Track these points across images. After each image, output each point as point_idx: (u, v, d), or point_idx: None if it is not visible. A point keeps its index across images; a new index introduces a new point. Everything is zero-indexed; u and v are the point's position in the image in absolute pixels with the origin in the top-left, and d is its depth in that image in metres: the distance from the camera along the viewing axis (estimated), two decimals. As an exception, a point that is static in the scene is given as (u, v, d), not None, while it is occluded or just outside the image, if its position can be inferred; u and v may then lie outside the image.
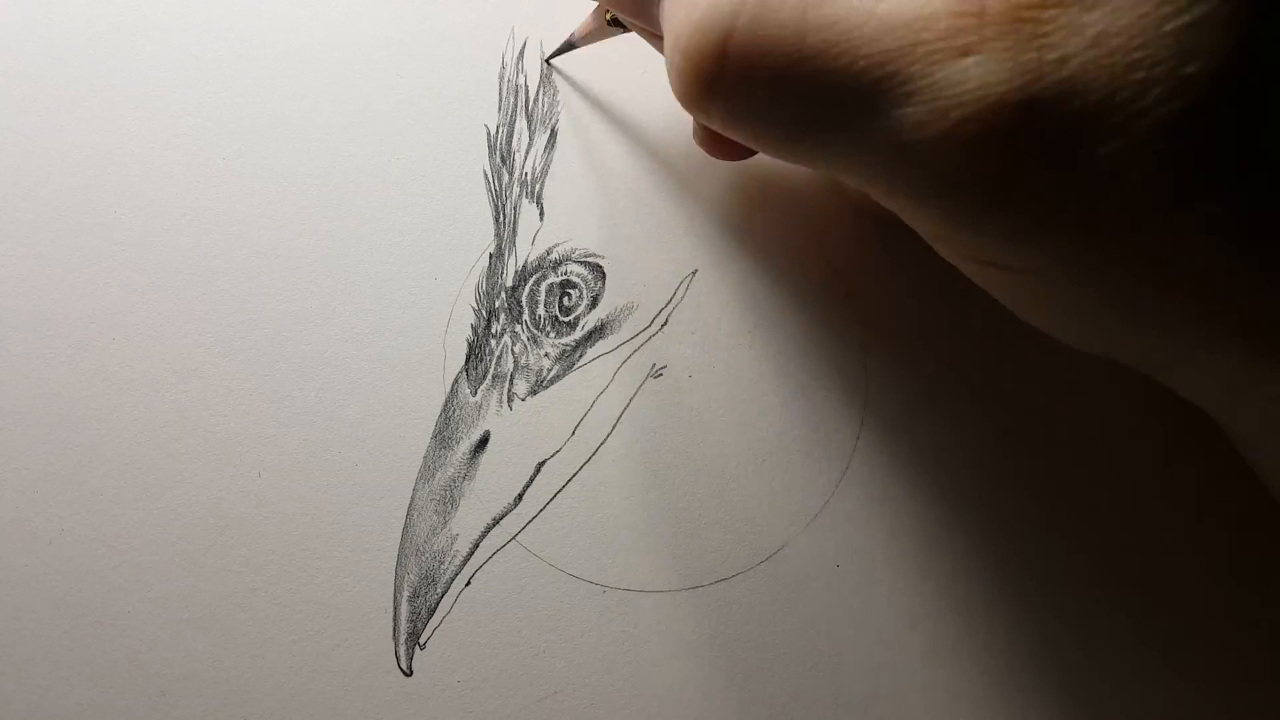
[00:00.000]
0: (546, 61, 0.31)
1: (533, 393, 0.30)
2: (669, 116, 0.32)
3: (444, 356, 0.30)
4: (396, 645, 0.28)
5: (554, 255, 0.31)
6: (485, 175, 0.31)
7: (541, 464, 0.29)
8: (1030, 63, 0.16)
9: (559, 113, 0.32)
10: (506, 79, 0.32)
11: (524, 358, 0.30)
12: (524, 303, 0.30)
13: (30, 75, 0.32)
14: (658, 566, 0.29)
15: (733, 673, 0.28)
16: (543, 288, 0.30)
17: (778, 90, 0.19)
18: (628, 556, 0.29)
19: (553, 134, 0.31)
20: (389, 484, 0.29)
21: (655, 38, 0.23)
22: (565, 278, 0.30)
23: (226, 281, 0.31)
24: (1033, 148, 0.17)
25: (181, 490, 0.29)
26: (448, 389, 0.30)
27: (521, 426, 0.29)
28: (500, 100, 0.32)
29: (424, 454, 0.29)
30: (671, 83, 0.21)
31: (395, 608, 0.28)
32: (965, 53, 0.17)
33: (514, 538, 0.29)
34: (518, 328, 0.30)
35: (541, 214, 0.31)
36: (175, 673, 0.28)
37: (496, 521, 0.29)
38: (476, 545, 0.29)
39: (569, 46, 0.30)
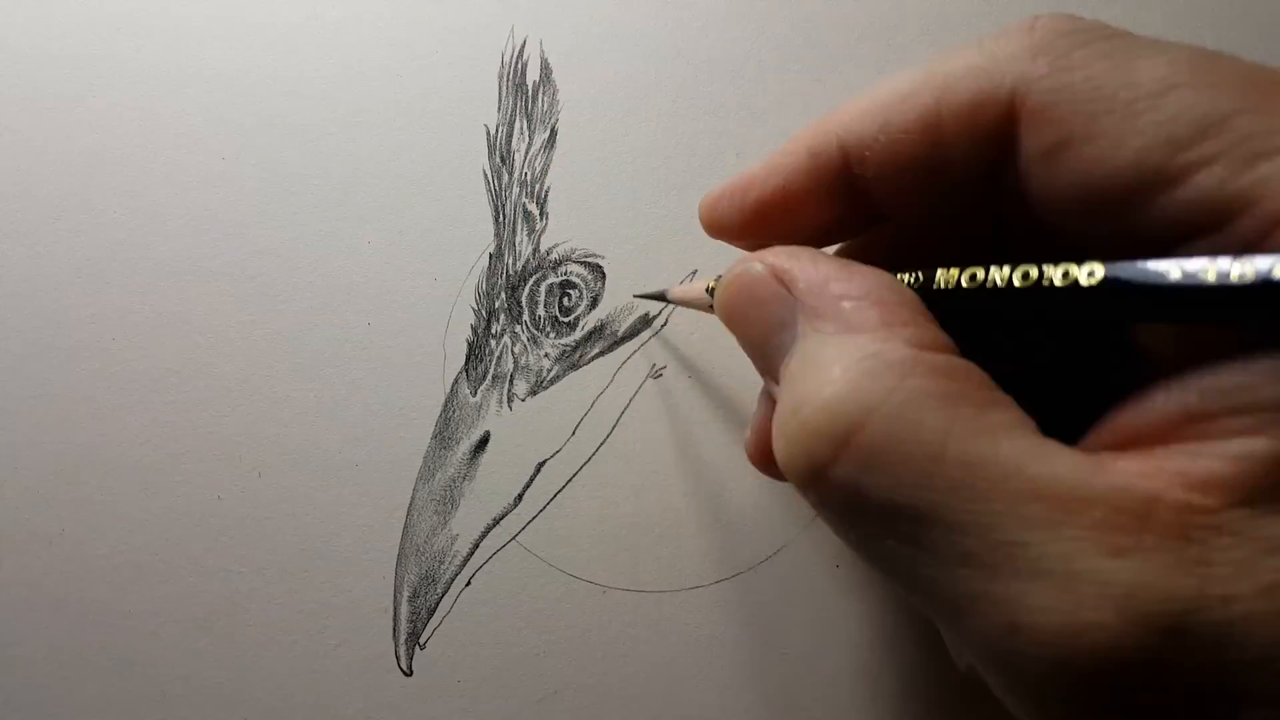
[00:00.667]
0: (635, 297, 0.30)
1: (533, 393, 0.30)
2: (670, 117, 0.32)
3: (444, 357, 0.30)
4: (397, 645, 0.28)
5: (554, 255, 0.31)
6: (485, 175, 0.31)
7: (541, 464, 0.29)
8: (1188, 588, 0.14)
9: (559, 113, 0.32)
10: (506, 79, 0.32)
11: (524, 358, 0.30)
12: (524, 303, 0.30)
13: (30, 75, 0.32)
14: (658, 567, 0.29)
15: (733, 673, 0.28)
16: (543, 288, 0.30)
17: (890, 507, 0.16)
18: (628, 556, 0.29)
19: (553, 134, 0.31)
20: (389, 484, 0.29)
21: (768, 375, 0.21)
22: (565, 278, 0.30)
23: (227, 282, 0.31)
24: (1166, 682, 0.14)
25: (182, 490, 0.29)
26: (448, 389, 0.30)
27: (521, 427, 0.29)
28: (500, 100, 0.32)
29: (424, 454, 0.29)
30: (777, 440, 0.18)
31: (395, 608, 0.28)
32: (1117, 553, 0.14)
33: (514, 538, 0.29)
34: (518, 328, 0.30)
35: (541, 214, 0.31)
36: (176, 672, 0.28)
37: (496, 521, 0.29)
38: (476, 545, 0.29)
39: (661, 297, 0.29)
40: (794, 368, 0.19)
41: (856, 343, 0.17)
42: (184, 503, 0.29)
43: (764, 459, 0.24)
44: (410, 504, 0.29)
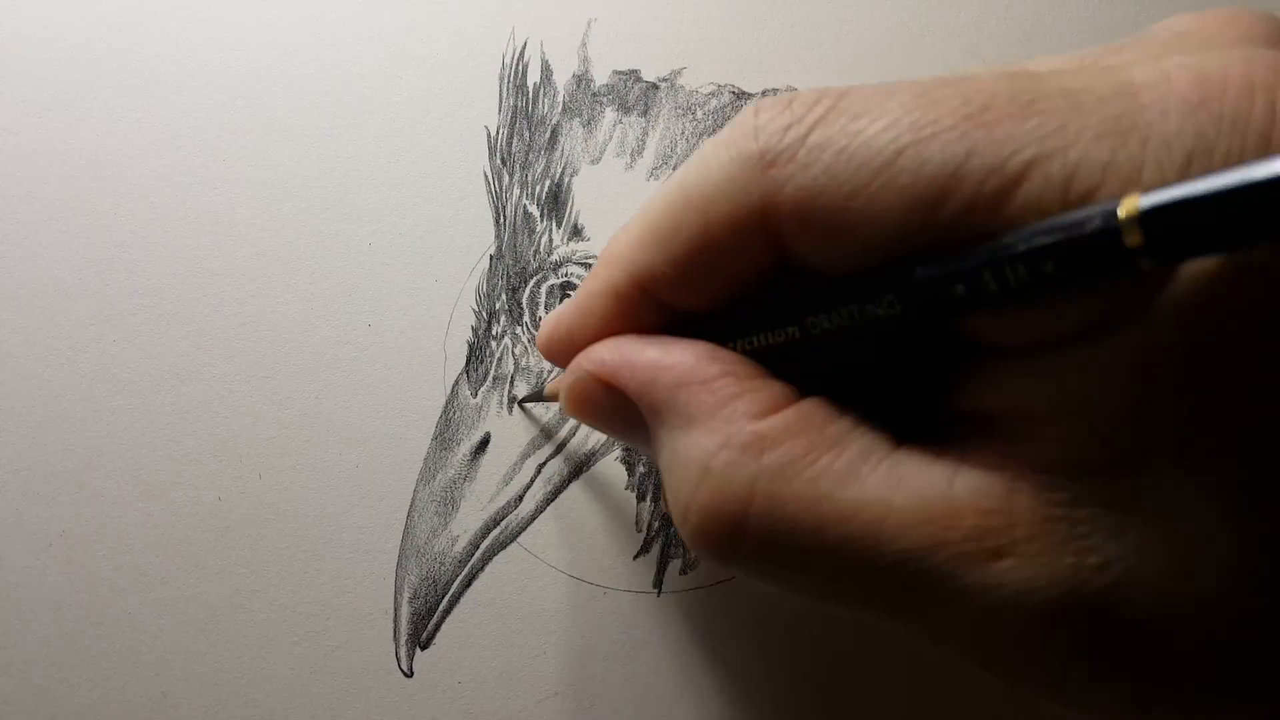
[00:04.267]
0: (520, 404, 0.30)
1: (533, 394, 0.30)
2: (669, 122, 0.32)
3: (444, 358, 0.30)
4: (397, 646, 0.28)
5: (554, 257, 0.31)
6: (486, 176, 0.31)
7: (542, 465, 0.29)
8: (1067, 568, 0.15)
9: (559, 113, 0.32)
10: (506, 79, 0.32)
11: (524, 359, 0.30)
12: (524, 305, 0.30)
13: (30, 75, 0.32)
14: (658, 568, 0.29)
15: (734, 674, 0.28)
16: (543, 289, 0.30)
17: (798, 570, 0.18)
18: (628, 558, 0.29)
19: (553, 134, 0.31)
20: (390, 485, 0.29)
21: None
22: (566, 279, 0.30)
23: (227, 283, 0.31)
24: (1076, 649, 0.16)
25: (182, 492, 0.29)
26: (448, 391, 0.30)
27: (522, 428, 0.30)
28: (500, 101, 0.32)
29: (424, 456, 0.29)
30: (682, 533, 0.19)
31: (396, 609, 0.28)
32: (996, 555, 0.16)
33: (515, 539, 0.29)
34: (518, 329, 0.30)
35: (542, 215, 0.31)
36: (176, 674, 0.28)
37: (497, 523, 0.29)
38: (477, 546, 0.29)
39: (540, 398, 0.29)
40: (664, 466, 0.20)
41: (702, 436, 0.18)
42: (184, 503, 0.29)
43: (552, 350, 0.24)
44: (411, 505, 0.29)
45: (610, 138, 0.31)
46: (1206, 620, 0.15)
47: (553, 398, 0.27)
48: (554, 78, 0.32)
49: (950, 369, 0.18)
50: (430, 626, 0.28)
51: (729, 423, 0.18)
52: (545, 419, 0.30)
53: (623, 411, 0.20)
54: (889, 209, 0.16)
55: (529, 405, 0.30)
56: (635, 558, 0.29)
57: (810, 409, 0.18)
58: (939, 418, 0.18)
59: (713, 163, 0.18)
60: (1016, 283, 0.15)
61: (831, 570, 0.17)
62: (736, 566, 0.19)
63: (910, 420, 0.18)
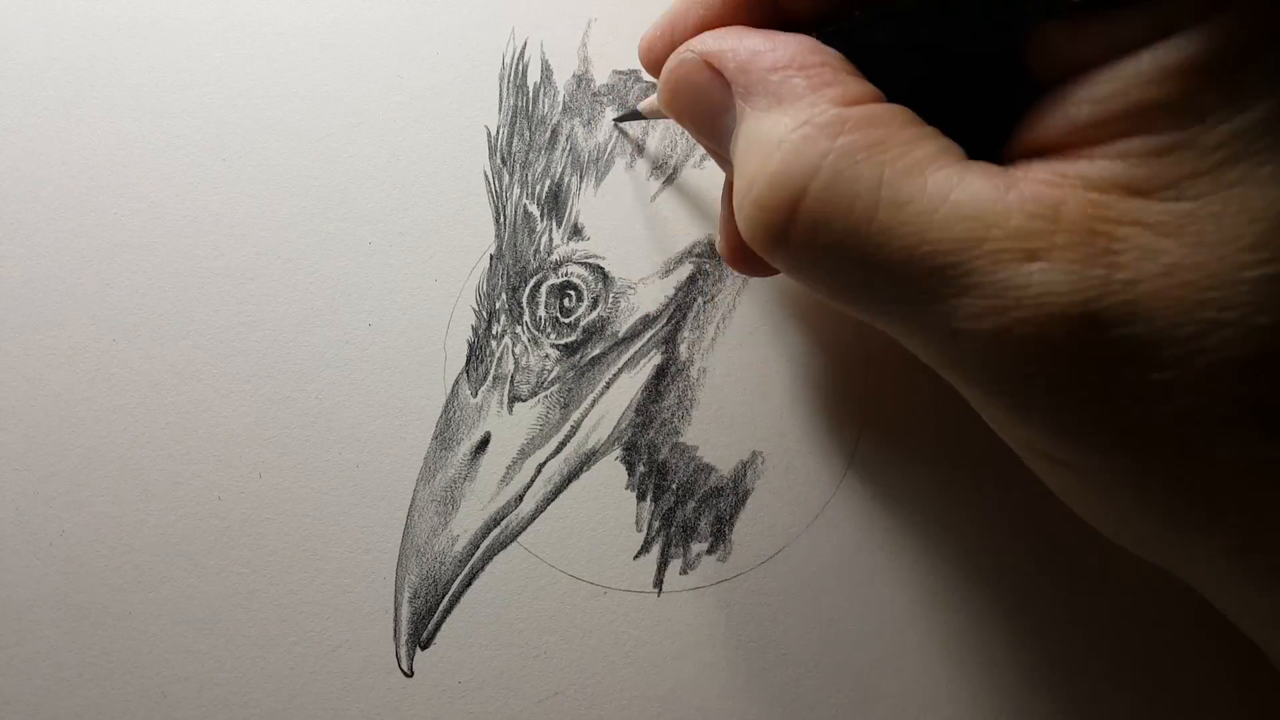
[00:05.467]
0: (615, 123, 0.31)
1: (533, 394, 0.30)
2: (668, 122, 0.32)
3: (444, 358, 0.30)
4: (398, 646, 0.28)
5: (554, 256, 0.31)
6: (486, 176, 0.31)
7: (542, 465, 0.29)
8: (1096, 279, 0.16)
9: (559, 113, 0.32)
10: (507, 79, 0.32)
11: (524, 359, 0.30)
12: (524, 304, 0.30)
13: (30, 75, 0.32)
14: (658, 568, 0.29)
15: (734, 673, 0.28)
16: (543, 289, 0.30)
17: (842, 256, 0.18)
18: (628, 557, 0.29)
19: (553, 134, 0.31)
20: (390, 485, 0.29)
21: (720, 157, 0.23)
22: (566, 279, 0.30)
23: (227, 282, 0.31)
24: (1087, 361, 0.16)
25: (182, 491, 0.29)
26: (448, 390, 0.30)
27: (522, 428, 0.29)
28: (500, 101, 0.32)
29: (425, 455, 0.29)
30: (739, 223, 0.20)
31: (396, 609, 0.28)
32: (1032, 257, 0.16)
33: (515, 539, 0.29)
34: (518, 329, 0.30)
35: (542, 215, 0.31)
36: (176, 674, 0.28)
37: (497, 522, 0.29)
38: (477, 546, 0.29)
39: (636, 115, 0.30)
40: (740, 149, 0.20)
41: (789, 114, 0.19)
42: (184, 503, 0.29)
43: (734, 255, 0.26)
44: (411, 505, 0.29)
45: (610, 137, 0.31)
46: (1221, 350, 0.16)
47: (650, 113, 0.28)
48: (554, 78, 0.32)
49: (1016, 108, 0.19)
50: (430, 626, 0.28)
51: (815, 105, 0.19)
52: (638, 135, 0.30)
53: (715, 95, 0.21)
54: None
55: (624, 125, 0.30)
56: (635, 558, 0.29)
57: (895, 110, 0.19)
58: (1005, 156, 0.19)
59: None
60: None
61: (873, 256, 0.18)
62: (785, 250, 0.19)
63: (980, 153, 0.19)
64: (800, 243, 0.19)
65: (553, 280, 0.30)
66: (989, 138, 0.19)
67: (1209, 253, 0.16)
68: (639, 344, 0.30)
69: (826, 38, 0.20)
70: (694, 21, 0.22)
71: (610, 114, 0.32)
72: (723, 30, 0.21)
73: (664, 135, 0.31)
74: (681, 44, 0.22)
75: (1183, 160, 0.16)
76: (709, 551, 0.29)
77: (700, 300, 0.30)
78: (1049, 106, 0.18)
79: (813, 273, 0.20)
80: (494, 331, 0.30)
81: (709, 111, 0.21)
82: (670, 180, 0.31)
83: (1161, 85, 0.16)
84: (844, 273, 0.19)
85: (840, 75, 0.19)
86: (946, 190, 0.17)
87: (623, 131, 0.31)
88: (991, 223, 0.17)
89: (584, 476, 0.29)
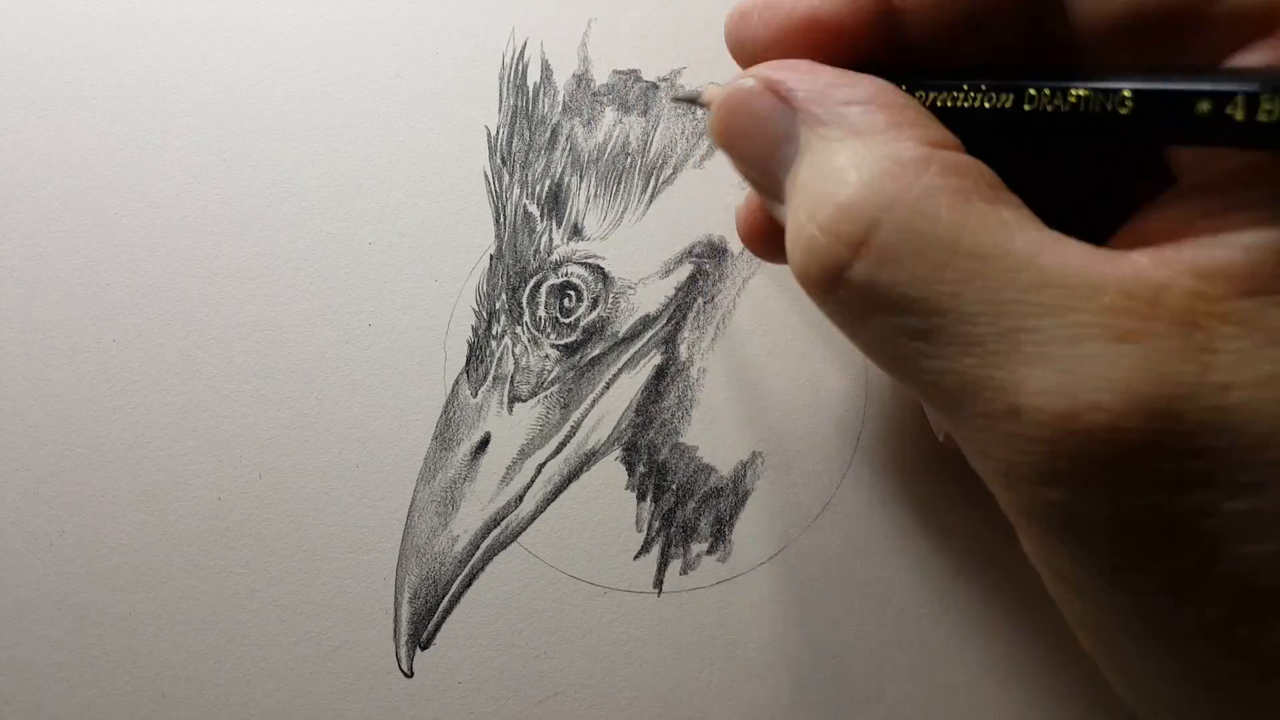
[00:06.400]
0: (672, 100, 0.30)
1: (533, 394, 0.30)
2: (670, 118, 0.32)
3: (444, 358, 0.30)
4: (398, 647, 0.28)
5: (554, 256, 0.31)
6: (486, 176, 0.31)
7: (542, 465, 0.29)
8: (1189, 374, 0.14)
9: (559, 113, 0.32)
10: (506, 79, 0.32)
11: (524, 359, 0.30)
12: (524, 304, 0.30)
13: (30, 75, 0.32)
14: (658, 568, 0.29)
15: (734, 674, 0.28)
16: (543, 289, 0.30)
17: (904, 301, 0.17)
18: (628, 557, 0.29)
19: (553, 134, 0.31)
20: (390, 485, 0.29)
21: (766, 191, 0.21)
22: (566, 279, 0.30)
23: (227, 282, 0.31)
24: (1157, 468, 0.15)
25: (182, 492, 0.29)
26: (448, 390, 0.30)
27: (522, 428, 0.30)
28: (500, 101, 0.32)
29: (425, 455, 0.29)
30: (792, 251, 0.18)
31: (396, 609, 0.28)
32: (1123, 338, 0.15)
33: (515, 539, 0.29)
34: (518, 329, 0.30)
35: (542, 215, 0.31)
36: (176, 674, 0.28)
37: (497, 523, 0.29)
38: (477, 546, 0.29)
39: (694, 101, 0.29)
40: (804, 177, 0.18)
41: (868, 145, 0.17)
42: (184, 503, 0.29)
43: (754, 234, 0.25)
44: (411, 505, 0.29)
45: (610, 137, 0.31)
46: None
47: (710, 101, 0.27)
48: (554, 77, 0.32)
49: (1129, 191, 0.17)
50: (430, 626, 0.28)
51: (898, 140, 0.17)
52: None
53: (776, 123, 0.19)
54: None
55: (679, 103, 0.29)
56: (635, 558, 0.29)
57: (983, 167, 0.17)
58: (1109, 242, 0.17)
59: None
60: (1262, 118, 0.14)
61: (941, 306, 0.16)
62: (841, 289, 0.17)
63: (1075, 230, 0.17)
64: (861, 281, 0.17)
65: (553, 280, 0.30)
66: (1087, 226, 0.17)
67: None
68: (639, 344, 0.30)
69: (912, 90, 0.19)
70: (803, 12, 0.20)
71: (667, 94, 0.31)
72: (789, 61, 0.20)
73: (664, 134, 0.31)
74: (778, 27, 0.20)
75: None
76: (709, 552, 0.29)
77: (700, 300, 0.30)
78: (1172, 199, 0.17)
79: (866, 316, 0.18)
80: (494, 332, 0.30)
81: (767, 141, 0.20)
82: (670, 180, 0.31)
83: None
84: (902, 321, 0.17)
85: (923, 119, 0.18)
86: (1036, 251, 0.16)
87: (677, 107, 0.30)
88: (1083, 294, 0.15)
89: (584, 477, 0.29)
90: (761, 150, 0.20)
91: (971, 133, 0.18)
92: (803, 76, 0.19)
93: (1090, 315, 0.15)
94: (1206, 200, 0.16)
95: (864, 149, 0.17)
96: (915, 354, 0.17)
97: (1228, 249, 0.15)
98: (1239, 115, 0.14)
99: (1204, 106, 0.15)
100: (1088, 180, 0.18)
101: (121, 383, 0.30)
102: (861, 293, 0.17)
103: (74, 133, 0.31)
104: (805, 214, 0.18)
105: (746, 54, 0.21)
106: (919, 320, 0.16)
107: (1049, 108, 0.17)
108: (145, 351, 0.30)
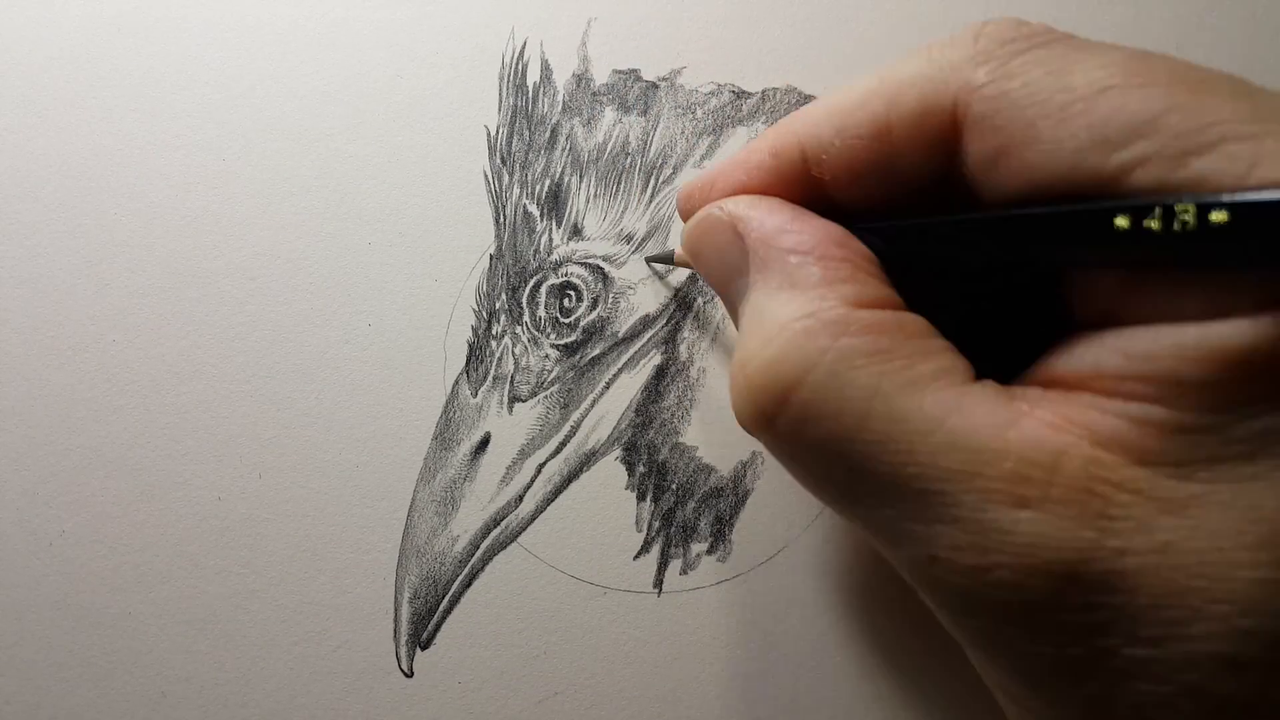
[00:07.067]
0: (647, 261, 0.30)
1: (533, 394, 0.30)
2: (669, 121, 0.32)
3: (444, 358, 0.30)
4: (398, 647, 0.28)
5: (554, 256, 0.31)
6: (485, 176, 0.31)
7: (542, 465, 0.29)
8: (1086, 540, 0.15)
9: (559, 113, 0.32)
10: (506, 79, 0.32)
11: (524, 359, 0.30)
12: (524, 304, 0.30)
13: (30, 75, 0.32)
14: (658, 568, 0.29)
15: (734, 674, 0.28)
16: (543, 289, 0.30)
17: (826, 457, 0.18)
18: (628, 557, 0.29)
19: (553, 134, 0.31)
20: (389, 485, 0.29)
21: (731, 311, 0.23)
22: (566, 279, 0.30)
23: (227, 283, 0.31)
24: (1060, 619, 0.16)
25: (182, 492, 0.29)
26: (448, 390, 0.30)
27: (522, 428, 0.29)
28: (500, 101, 0.32)
29: (424, 455, 0.29)
30: (731, 392, 0.20)
31: (396, 609, 0.28)
32: (1023, 504, 0.16)
33: (515, 539, 0.29)
34: (518, 329, 0.30)
35: (542, 215, 0.31)
36: (176, 674, 0.28)
37: (497, 523, 0.29)
38: (477, 546, 0.29)
39: (669, 259, 0.30)
40: (745, 319, 0.20)
41: (796, 301, 0.19)
42: (184, 503, 0.29)
43: (691, 195, 0.26)
44: (411, 505, 0.29)
45: (610, 137, 0.31)
46: (1202, 642, 0.15)
47: (681, 262, 0.28)
48: (554, 77, 0.32)
49: (1044, 334, 0.19)
50: (430, 626, 0.28)
51: (824, 298, 0.18)
52: (668, 275, 0.30)
53: (732, 255, 0.21)
54: (1073, 137, 0.16)
55: (655, 265, 0.30)
56: (635, 558, 0.29)
57: (908, 319, 0.18)
58: (1021, 380, 0.18)
59: (922, 56, 0.19)
60: (1179, 234, 0.15)
61: (858, 464, 0.17)
62: (769, 435, 0.19)
63: (993, 371, 0.18)
64: (786, 432, 0.18)
65: (552, 280, 0.30)
66: (1007, 358, 0.19)
67: (1208, 541, 0.15)
68: (639, 344, 0.30)
69: (861, 233, 0.20)
70: (734, 185, 0.22)
71: (667, 93, 0.31)
72: (758, 198, 0.21)
73: (663, 134, 0.31)
74: (715, 197, 0.22)
75: (1202, 444, 0.15)
76: (709, 552, 0.29)
77: (700, 300, 0.30)
78: (1078, 343, 0.18)
79: (795, 463, 0.19)
80: (494, 331, 0.30)
81: (725, 271, 0.21)
82: (670, 180, 0.31)
83: (1203, 365, 0.15)
84: (826, 473, 0.18)
85: (858, 274, 0.19)
86: (944, 414, 0.17)
87: (654, 270, 0.30)
88: (986, 460, 0.16)
89: (584, 477, 0.29)
90: (721, 277, 0.22)
91: (915, 273, 0.19)
92: (761, 215, 0.20)
93: (993, 481, 0.16)
94: (1102, 357, 0.17)
95: (793, 304, 0.19)
96: (841, 500, 0.19)
97: (1121, 419, 0.16)
98: (1155, 225, 0.15)
99: (1122, 222, 0.16)
100: (1008, 316, 0.20)
101: (121, 383, 0.30)
102: (787, 443, 0.19)
103: (74, 133, 0.31)
104: (740, 361, 0.20)
105: None
106: (841, 474, 0.18)
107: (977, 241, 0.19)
108: (145, 351, 0.30)
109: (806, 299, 0.19)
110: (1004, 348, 0.19)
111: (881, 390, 0.17)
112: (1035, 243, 0.18)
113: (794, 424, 0.18)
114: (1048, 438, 0.16)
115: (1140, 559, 0.15)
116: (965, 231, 0.19)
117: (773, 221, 0.20)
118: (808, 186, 0.21)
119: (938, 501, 0.17)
